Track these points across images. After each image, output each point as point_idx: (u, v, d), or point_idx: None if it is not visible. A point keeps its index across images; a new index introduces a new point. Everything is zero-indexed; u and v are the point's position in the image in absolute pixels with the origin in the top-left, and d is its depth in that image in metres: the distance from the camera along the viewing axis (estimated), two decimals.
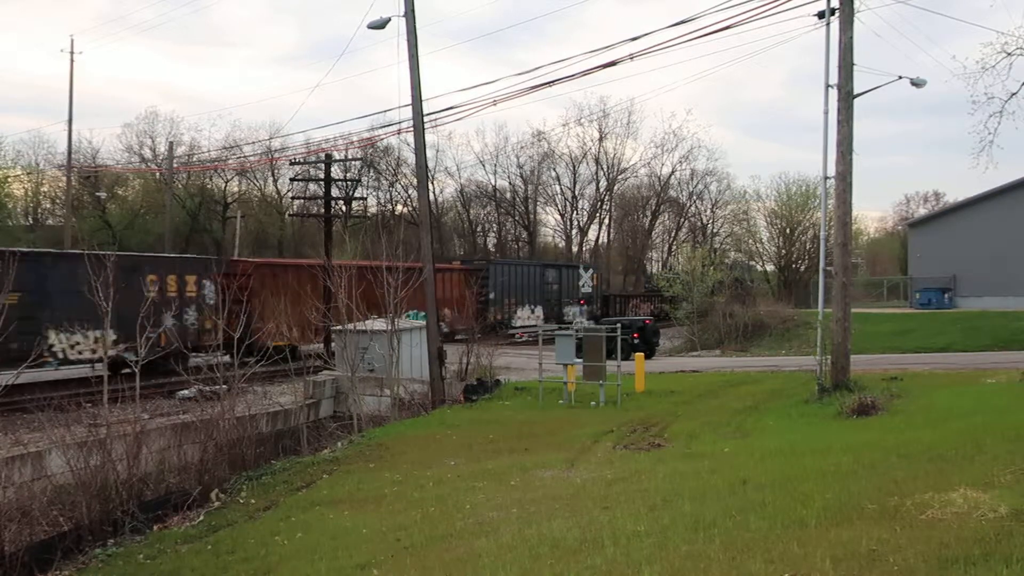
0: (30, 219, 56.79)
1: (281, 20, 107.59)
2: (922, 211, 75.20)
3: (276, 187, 63.13)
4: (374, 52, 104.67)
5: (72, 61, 43.42)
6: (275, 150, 53.03)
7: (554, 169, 72.63)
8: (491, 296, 38.60)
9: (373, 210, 62.16)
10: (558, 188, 73.79)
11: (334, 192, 35.98)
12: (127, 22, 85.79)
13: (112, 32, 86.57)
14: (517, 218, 74.64)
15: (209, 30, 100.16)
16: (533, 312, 42.31)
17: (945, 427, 10.54)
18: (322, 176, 31.38)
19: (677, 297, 44.79)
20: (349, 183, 51.57)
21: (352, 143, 49.07)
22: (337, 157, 37.40)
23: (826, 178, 16.82)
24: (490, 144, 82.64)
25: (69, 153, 45.74)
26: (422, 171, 21.16)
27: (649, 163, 75.74)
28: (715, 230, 74.41)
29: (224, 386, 14.62)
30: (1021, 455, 7.60)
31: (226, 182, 61.79)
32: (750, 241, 64.99)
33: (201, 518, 10.84)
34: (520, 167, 71.68)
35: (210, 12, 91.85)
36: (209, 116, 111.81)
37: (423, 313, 22.54)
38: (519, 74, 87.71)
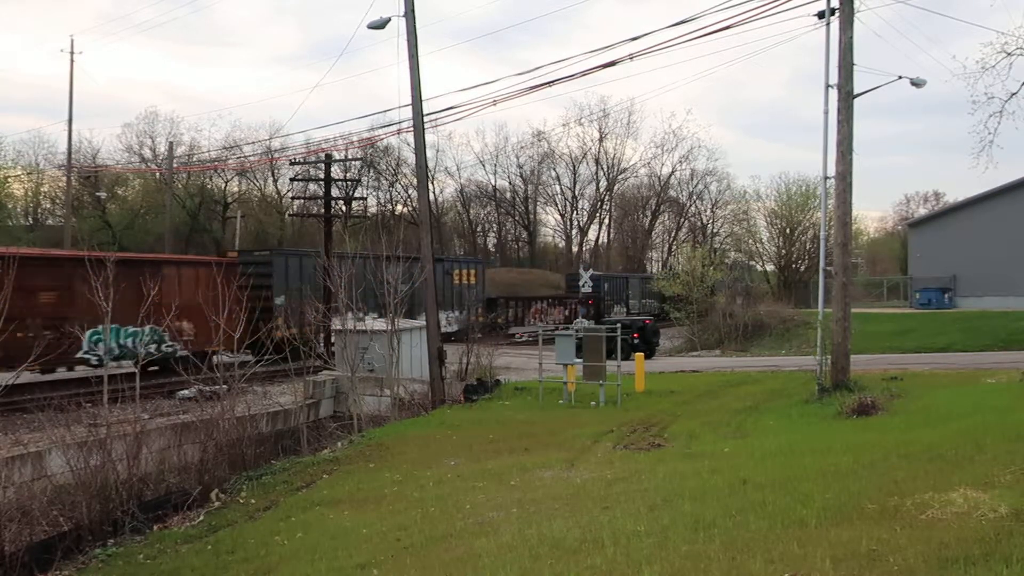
0: (30, 219, 56.85)
1: (283, 20, 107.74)
2: (922, 211, 75.30)
3: (276, 187, 63.26)
4: (375, 52, 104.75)
5: (72, 61, 43.53)
6: (275, 150, 53.15)
7: (554, 169, 72.80)
8: (277, 302, 26.81)
9: (373, 210, 62.30)
10: (558, 188, 73.97)
11: (334, 192, 36.00)
12: (129, 21, 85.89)
13: (113, 32, 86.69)
14: (517, 218, 74.73)
15: (211, 30, 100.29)
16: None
17: (945, 427, 10.53)
18: (322, 176, 31.44)
19: (605, 298, 41.90)
20: (349, 183, 51.60)
21: (352, 143, 49.16)
22: (337, 157, 37.41)
23: (826, 178, 16.82)
24: (490, 144, 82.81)
25: (69, 153, 45.78)
26: (422, 171, 21.17)
27: (649, 163, 75.98)
28: (715, 230, 74.53)
29: (224, 386, 14.62)
30: (1021, 455, 7.60)
31: (226, 182, 61.88)
32: (750, 241, 65.01)
33: (201, 518, 10.84)
34: (520, 167, 71.83)
35: (212, 12, 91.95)
36: (209, 116, 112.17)
37: (129, 329, 19.32)
38: (519, 74, 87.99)
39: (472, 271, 40.73)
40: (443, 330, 31.12)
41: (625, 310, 51.35)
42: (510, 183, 72.39)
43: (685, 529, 6.38)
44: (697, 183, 73.50)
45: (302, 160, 36.81)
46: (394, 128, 30.62)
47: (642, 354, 21.13)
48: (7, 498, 10.29)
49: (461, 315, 37.37)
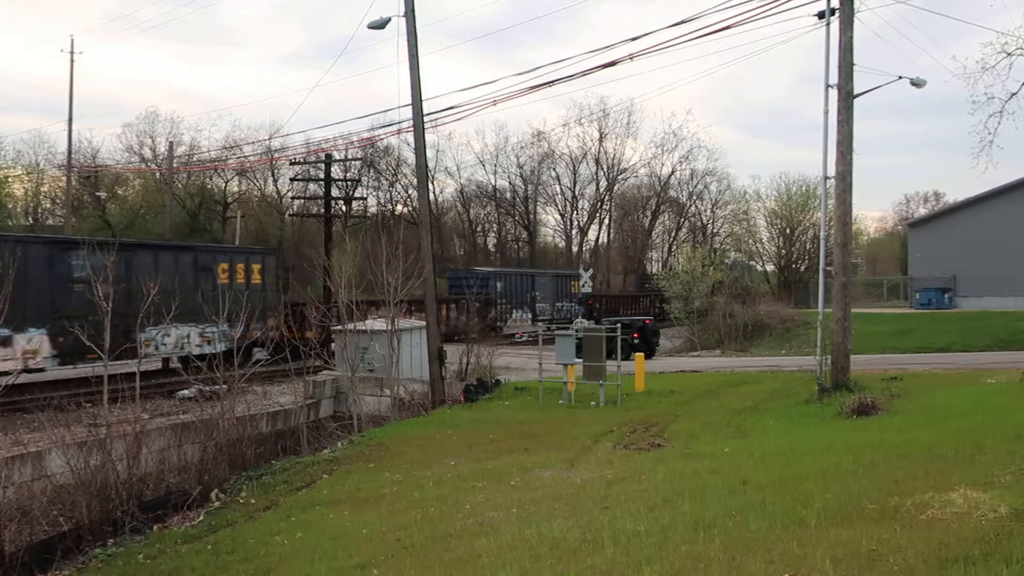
0: (30, 219, 56.80)
1: (286, 20, 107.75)
2: (922, 211, 75.40)
3: (276, 187, 63.20)
4: (376, 52, 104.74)
5: (72, 61, 43.57)
6: (275, 150, 53.12)
7: (554, 169, 72.84)
8: None
9: (373, 210, 62.34)
10: (558, 188, 74.01)
11: (334, 192, 36.06)
12: (131, 21, 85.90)
13: (115, 32, 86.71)
14: (517, 218, 74.71)
15: (213, 30, 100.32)
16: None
17: (945, 427, 10.53)
18: (322, 176, 31.50)
19: (499, 300, 37.10)
20: (349, 183, 51.67)
21: (352, 143, 49.16)
22: (337, 157, 37.46)
23: (826, 178, 16.82)
24: (490, 144, 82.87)
25: (69, 153, 45.79)
26: (422, 171, 21.17)
27: (649, 163, 76.09)
28: (715, 230, 74.54)
29: (224, 386, 14.61)
30: (1021, 455, 7.60)
31: (226, 182, 61.85)
32: (750, 241, 65.02)
33: (201, 518, 10.84)
34: (520, 167, 71.85)
35: (214, 12, 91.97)
36: (209, 116, 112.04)
37: None
38: (519, 74, 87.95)
39: (256, 265, 26.21)
40: (194, 351, 21.72)
41: (530, 315, 43.13)
42: (510, 183, 72.46)
43: (685, 529, 6.38)
44: (697, 183, 73.58)
45: (302, 160, 36.88)
46: (394, 128, 30.65)
47: (642, 354, 21.12)
48: (7, 498, 10.29)
49: (233, 329, 20.65)
